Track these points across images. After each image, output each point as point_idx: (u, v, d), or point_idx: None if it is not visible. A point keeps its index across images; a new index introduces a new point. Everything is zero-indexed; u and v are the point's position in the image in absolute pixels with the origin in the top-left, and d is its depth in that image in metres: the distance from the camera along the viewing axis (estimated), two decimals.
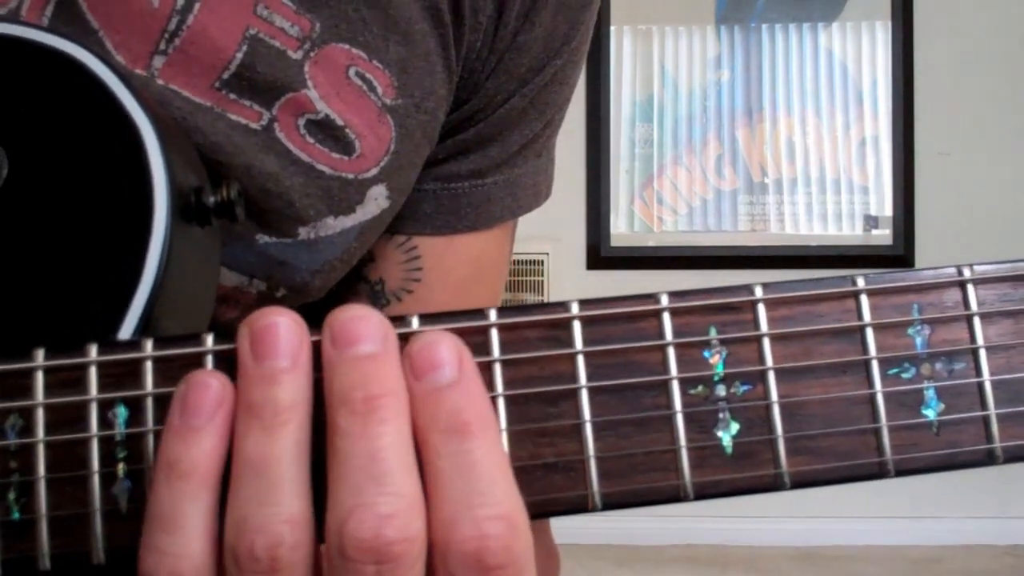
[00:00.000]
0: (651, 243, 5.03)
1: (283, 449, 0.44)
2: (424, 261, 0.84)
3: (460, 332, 0.47)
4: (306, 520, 0.44)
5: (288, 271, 0.75)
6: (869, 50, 5.06)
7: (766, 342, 0.46)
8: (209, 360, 0.47)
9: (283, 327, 0.45)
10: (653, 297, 0.47)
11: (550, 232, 4.91)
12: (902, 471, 0.45)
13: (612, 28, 5.06)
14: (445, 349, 0.45)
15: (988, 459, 0.45)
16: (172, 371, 0.47)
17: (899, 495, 4.89)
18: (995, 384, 0.45)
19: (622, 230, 5.02)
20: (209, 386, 0.45)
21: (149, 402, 0.47)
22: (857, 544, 4.81)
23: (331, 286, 0.80)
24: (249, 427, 0.44)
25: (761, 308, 0.46)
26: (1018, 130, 4.87)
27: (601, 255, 4.97)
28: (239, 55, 0.69)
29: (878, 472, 0.45)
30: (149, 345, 0.48)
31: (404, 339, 0.46)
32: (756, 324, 0.46)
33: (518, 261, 4.82)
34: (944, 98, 4.96)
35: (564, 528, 4.74)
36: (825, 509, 4.89)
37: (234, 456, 0.44)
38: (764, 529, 4.85)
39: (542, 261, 4.93)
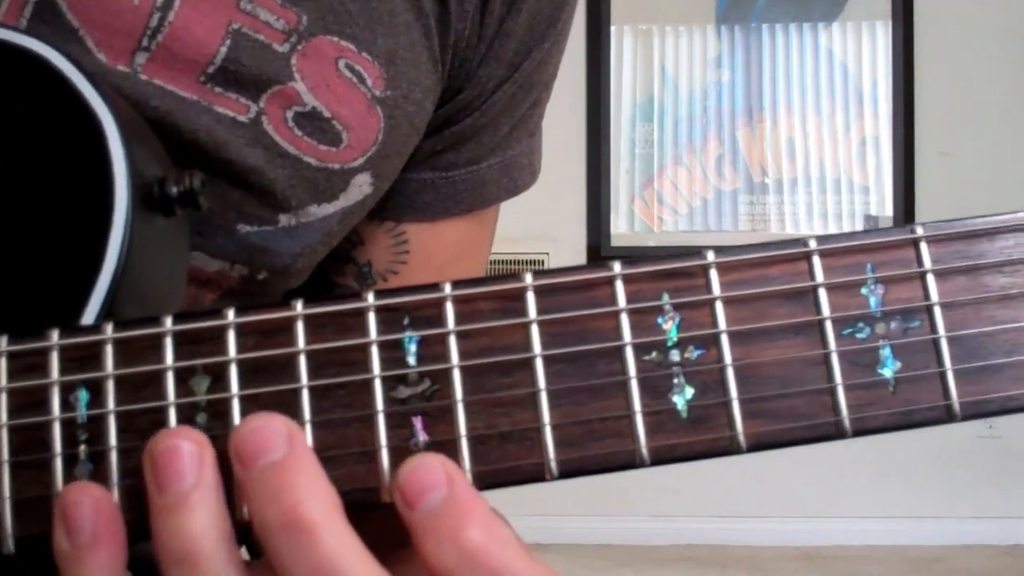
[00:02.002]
0: (651, 243, 5.03)
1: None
2: (411, 245, 0.86)
3: (415, 305, 0.47)
4: None
5: (269, 256, 0.76)
6: (869, 50, 5.06)
7: (719, 306, 0.46)
8: (168, 340, 0.47)
9: (181, 452, 0.45)
10: (606, 265, 0.47)
11: (550, 232, 4.92)
12: (860, 431, 0.45)
13: (612, 28, 5.06)
14: (431, 472, 0.45)
15: (946, 416, 0.45)
16: (132, 352, 0.47)
17: (899, 495, 4.89)
18: (951, 341, 0.45)
19: (622, 230, 5.03)
20: (81, 504, 0.46)
21: (110, 384, 0.47)
22: (857, 544, 4.80)
23: (313, 266, 0.81)
24: (166, 561, 0.45)
25: (713, 273, 0.46)
26: (1018, 130, 4.87)
27: (601, 255, 4.97)
28: (223, 49, 0.69)
29: (835, 432, 0.45)
30: (109, 328, 0.48)
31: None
32: (708, 289, 0.46)
33: (518, 261, 4.82)
34: (944, 98, 4.96)
35: (566, 529, 4.76)
36: (825, 509, 4.89)
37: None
38: (764, 529, 4.85)
39: (542, 261, 4.94)
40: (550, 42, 0.84)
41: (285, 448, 0.44)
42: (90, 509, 0.45)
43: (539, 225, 4.76)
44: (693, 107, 5.12)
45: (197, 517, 0.44)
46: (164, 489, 0.44)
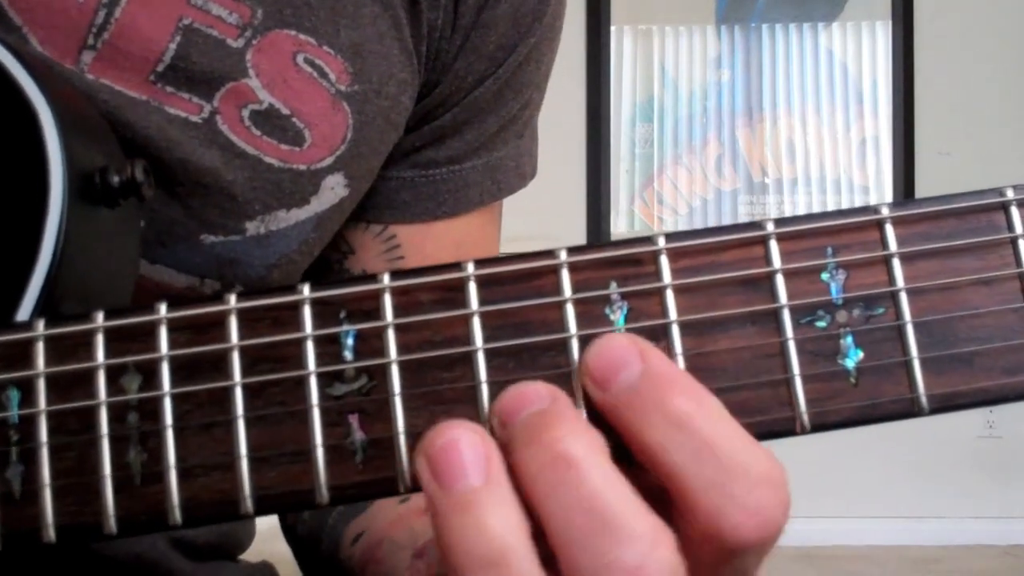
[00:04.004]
0: None
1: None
2: (404, 249, 0.83)
3: (352, 298, 0.44)
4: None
5: (240, 268, 0.73)
6: (869, 50, 5.05)
7: (669, 294, 0.43)
8: (100, 338, 0.46)
9: (461, 443, 0.41)
10: (551, 253, 0.44)
11: (550, 232, 4.90)
12: (819, 426, 0.42)
13: (612, 28, 5.05)
14: (621, 349, 0.41)
15: (913, 410, 0.42)
16: (64, 350, 0.46)
17: (899, 495, 4.88)
18: (918, 328, 0.42)
19: (622, 230, 5.01)
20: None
21: (41, 383, 0.46)
22: (857, 544, 4.79)
23: (296, 278, 0.77)
24: (469, 568, 0.39)
25: (664, 260, 0.43)
26: (1018, 130, 4.86)
27: None
28: (172, 46, 0.67)
29: (791, 427, 0.42)
30: (40, 325, 0.46)
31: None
32: (659, 276, 0.43)
33: None
34: (944, 98, 4.95)
35: None
36: (825, 509, 4.88)
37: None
38: None
39: None
40: (536, 37, 0.81)
41: (548, 402, 0.41)
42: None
43: (539, 225, 4.75)
44: (693, 107, 5.11)
45: (498, 513, 0.40)
46: (450, 488, 0.40)
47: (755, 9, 5.09)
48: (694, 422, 0.40)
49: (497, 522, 0.39)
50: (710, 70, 5.11)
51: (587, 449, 0.40)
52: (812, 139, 5.05)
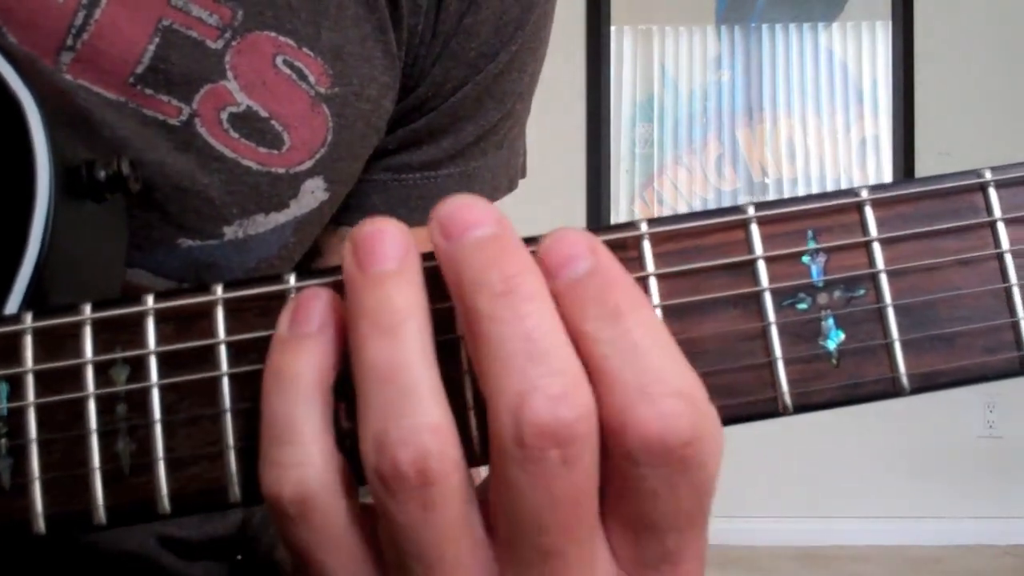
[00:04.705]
0: None
1: (410, 352, 0.42)
2: None
3: (341, 286, 0.45)
4: (449, 425, 0.41)
5: (219, 273, 0.72)
6: (869, 50, 5.06)
7: (652, 280, 0.44)
8: (88, 329, 0.46)
9: (387, 234, 0.43)
10: (535, 240, 0.44)
11: None
12: (801, 407, 0.42)
13: (612, 28, 5.05)
14: (573, 243, 0.43)
15: (894, 389, 0.42)
16: (52, 342, 0.46)
17: (899, 495, 4.88)
18: (898, 310, 0.43)
19: None
20: (318, 296, 0.44)
21: (30, 377, 0.46)
22: (857, 544, 4.80)
23: None
24: (367, 334, 0.42)
25: (646, 244, 0.44)
26: (1018, 130, 4.86)
27: None
28: (151, 48, 0.66)
29: (775, 409, 0.43)
30: (28, 318, 0.46)
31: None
32: (641, 262, 0.44)
33: None
34: (944, 98, 4.95)
35: None
36: (825, 509, 4.89)
37: (356, 369, 0.42)
38: (764, 529, 4.84)
39: None
40: (518, 45, 0.80)
41: (496, 226, 0.42)
42: (325, 305, 0.44)
43: (539, 225, 4.74)
44: (693, 107, 5.11)
45: (405, 290, 0.42)
46: (368, 268, 0.42)
47: (755, 9, 5.09)
48: (627, 321, 0.41)
49: (402, 300, 0.42)
50: (710, 70, 5.12)
51: (538, 287, 0.42)
52: (812, 139, 5.05)
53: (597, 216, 4.98)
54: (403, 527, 0.42)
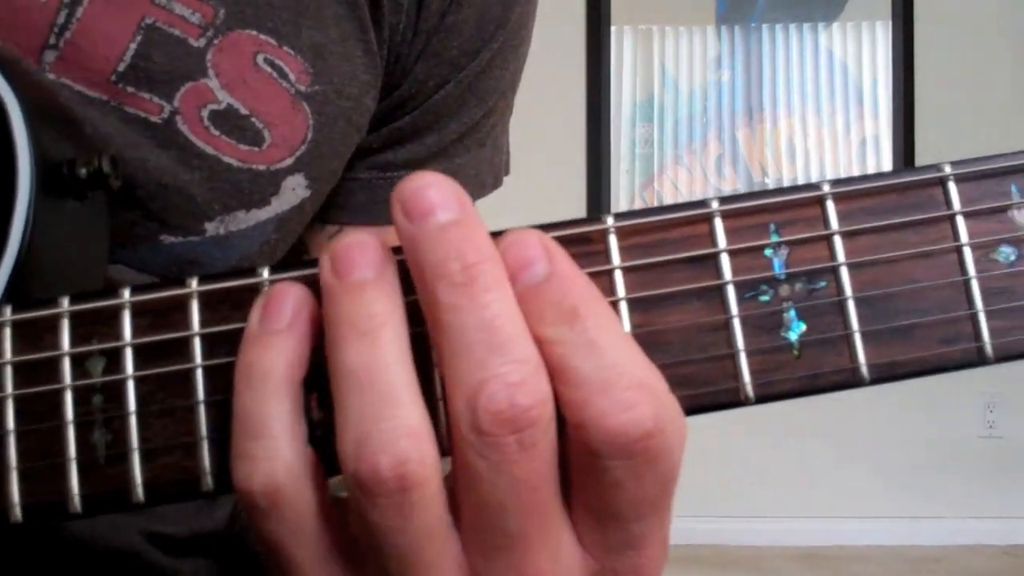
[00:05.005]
0: None
1: (388, 356, 0.42)
2: None
3: (313, 280, 0.45)
4: (427, 430, 0.42)
5: (201, 269, 0.72)
6: (869, 50, 5.06)
7: (617, 273, 0.44)
8: (65, 323, 0.47)
9: (367, 245, 0.44)
10: (503, 236, 0.45)
11: None
12: (763, 397, 0.43)
13: (612, 28, 5.05)
14: (529, 245, 0.43)
15: (854, 380, 0.43)
16: (31, 335, 0.47)
17: (899, 495, 4.88)
18: (858, 302, 0.43)
19: None
20: (288, 291, 0.45)
21: (8, 369, 0.47)
22: (857, 544, 4.80)
23: None
24: (345, 338, 0.43)
25: (612, 238, 0.45)
26: (1018, 130, 4.86)
27: None
28: (133, 46, 0.67)
29: (737, 399, 0.43)
30: (8, 311, 0.47)
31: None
32: (607, 255, 0.45)
33: None
34: (944, 98, 4.95)
35: None
36: (825, 509, 4.89)
37: (333, 374, 0.43)
38: (764, 529, 4.84)
39: None
40: (500, 43, 0.81)
41: (458, 210, 0.43)
42: (296, 300, 0.45)
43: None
44: (693, 107, 5.12)
45: (382, 297, 0.43)
46: (345, 276, 0.43)
47: (755, 9, 5.09)
48: (584, 320, 0.42)
49: (380, 306, 0.43)
50: (710, 70, 5.12)
51: (498, 277, 0.42)
52: (812, 139, 5.05)
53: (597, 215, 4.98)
54: (381, 529, 0.43)
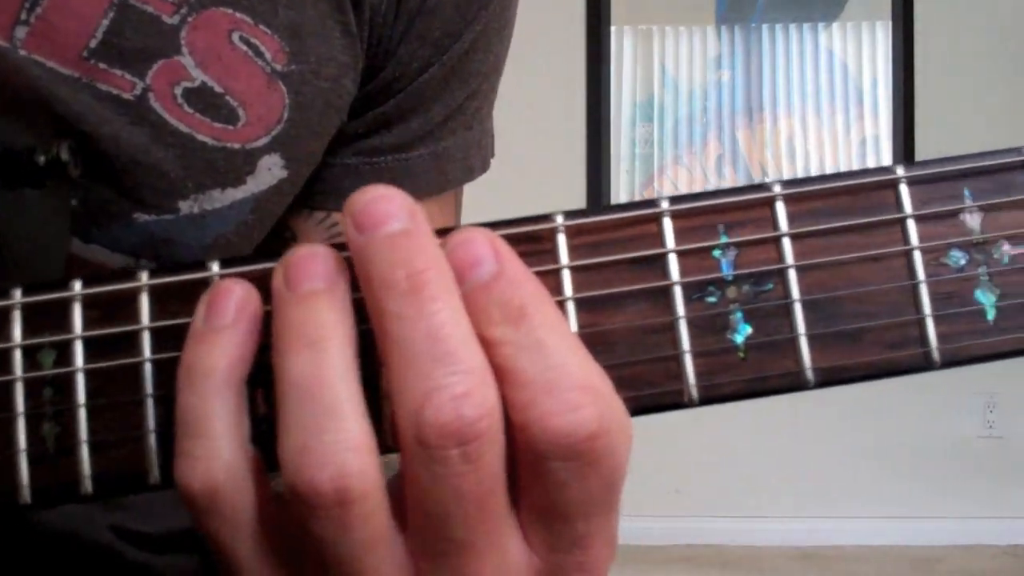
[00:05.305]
0: None
1: (332, 367, 0.42)
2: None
3: (263, 275, 0.45)
4: (369, 443, 0.42)
5: (175, 248, 0.73)
6: (869, 50, 5.06)
7: (565, 273, 0.44)
8: (17, 315, 0.47)
9: (319, 256, 0.44)
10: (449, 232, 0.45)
11: None
12: (707, 399, 0.43)
13: (612, 28, 5.06)
14: (476, 244, 0.43)
15: (799, 384, 0.43)
16: None
17: (899, 495, 4.88)
18: (805, 305, 0.43)
19: None
20: (232, 291, 0.44)
21: None
22: (857, 544, 4.80)
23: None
24: (290, 348, 0.43)
25: (561, 237, 0.44)
26: (1018, 130, 4.85)
27: None
28: (105, 22, 0.66)
29: (680, 400, 0.43)
30: None
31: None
32: (555, 254, 0.44)
33: None
34: (944, 98, 4.95)
35: None
36: (825, 509, 4.89)
37: (278, 383, 0.43)
38: (764, 529, 4.84)
39: None
40: (483, 24, 0.80)
41: (408, 221, 0.43)
42: (241, 297, 0.44)
43: None
44: (693, 107, 5.12)
45: (331, 309, 0.43)
46: (296, 286, 0.43)
47: (755, 9, 5.09)
48: (531, 320, 0.42)
49: (328, 317, 0.43)
50: (710, 70, 5.12)
51: (445, 285, 0.42)
52: (812, 139, 5.05)
53: None
54: (320, 538, 0.43)
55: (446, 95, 0.82)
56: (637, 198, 4.97)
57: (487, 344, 0.42)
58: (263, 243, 0.79)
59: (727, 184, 4.95)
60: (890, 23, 5.00)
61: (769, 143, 5.06)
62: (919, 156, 4.92)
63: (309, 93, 0.74)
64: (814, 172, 4.99)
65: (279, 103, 0.72)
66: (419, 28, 0.78)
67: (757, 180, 5.03)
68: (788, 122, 5.06)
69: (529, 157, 4.79)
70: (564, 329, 0.43)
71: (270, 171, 0.74)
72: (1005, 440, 4.91)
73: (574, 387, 0.41)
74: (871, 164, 4.97)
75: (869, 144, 5.01)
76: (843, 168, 4.98)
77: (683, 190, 5.04)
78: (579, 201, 4.97)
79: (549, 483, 0.42)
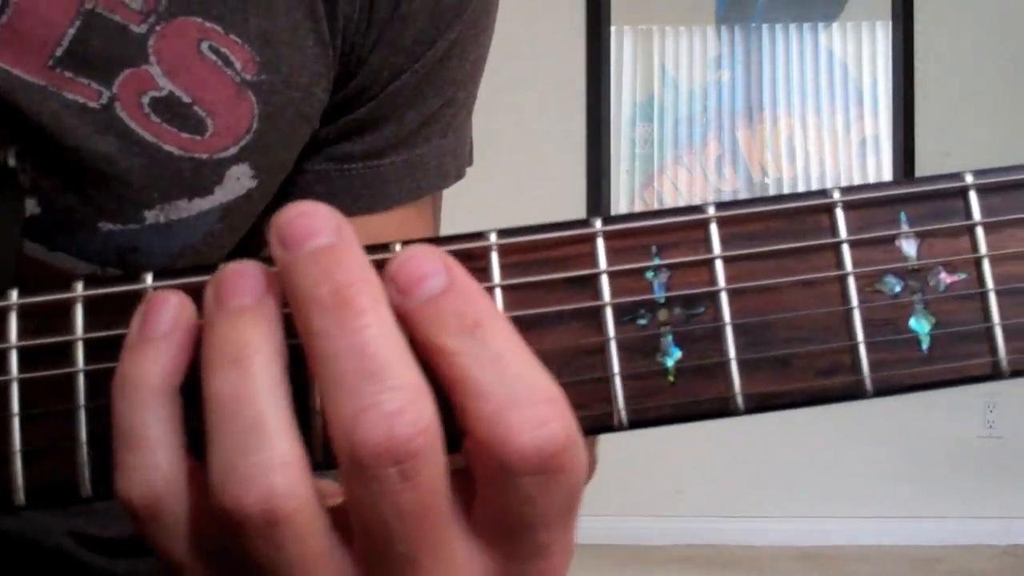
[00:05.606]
0: None
1: (257, 384, 0.41)
2: None
3: (196, 288, 0.45)
4: (298, 461, 0.41)
5: (141, 257, 0.72)
6: (869, 50, 5.05)
7: (497, 292, 0.44)
8: None
9: (248, 273, 0.43)
10: (387, 247, 0.45)
11: None
12: (636, 422, 0.42)
13: (612, 28, 5.05)
14: (426, 260, 0.42)
15: (728, 408, 0.42)
16: None
17: (899, 495, 4.88)
18: (736, 329, 0.42)
19: None
20: (168, 301, 0.44)
21: None
22: (857, 544, 4.79)
23: None
24: (215, 365, 0.42)
25: (494, 255, 0.44)
26: (1018, 130, 4.85)
27: None
28: (71, 31, 0.66)
29: (610, 423, 0.43)
30: None
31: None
32: (488, 273, 0.44)
33: None
34: (944, 98, 4.94)
35: None
36: (825, 509, 4.88)
37: (204, 401, 0.42)
38: (764, 529, 4.84)
39: None
40: (457, 33, 0.80)
41: (334, 235, 0.42)
42: (174, 308, 0.44)
43: None
44: (693, 107, 5.11)
45: (257, 326, 0.42)
46: (225, 302, 0.43)
47: (755, 9, 5.09)
48: (487, 332, 0.41)
49: (254, 334, 0.42)
50: (710, 70, 5.12)
51: (373, 299, 0.41)
52: (812, 139, 5.05)
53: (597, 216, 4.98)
54: (254, 561, 0.42)
55: (420, 103, 0.81)
56: (637, 198, 4.99)
57: (439, 355, 0.41)
58: (237, 251, 0.79)
59: (727, 184, 4.97)
60: (890, 23, 4.99)
61: (769, 143, 5.06)
62: (919, 156, 4.91)
63: (279, 102, 0.73)
64: (814, 172, 5.00)
65: (248, 113, 0.72)
66: (391, 35, 0.77)
67: (757, 180, 5.03)
68: (788, 122, 5.06)
69: (529, 157, 4.79)
70: (519, 341, 0.42)
71: (239, 180, 0.73)
72: (1005, 440, 4.90)
73: (539, 401, 0.40)
74: (871, 164, 4.97)
75: (869, 144, 5.00)
76: (843, 167, 4.98)
77: (683, 190, 5.04)
78: (579, 201, 4.97)
79: (512, 496, 0.42)
